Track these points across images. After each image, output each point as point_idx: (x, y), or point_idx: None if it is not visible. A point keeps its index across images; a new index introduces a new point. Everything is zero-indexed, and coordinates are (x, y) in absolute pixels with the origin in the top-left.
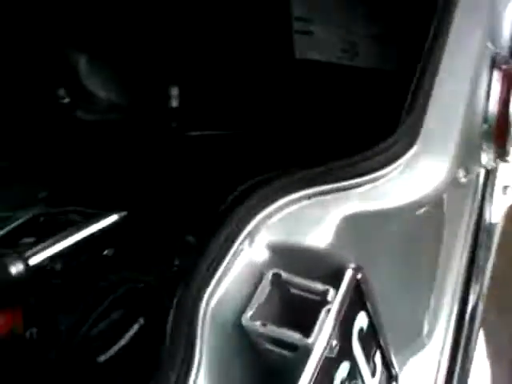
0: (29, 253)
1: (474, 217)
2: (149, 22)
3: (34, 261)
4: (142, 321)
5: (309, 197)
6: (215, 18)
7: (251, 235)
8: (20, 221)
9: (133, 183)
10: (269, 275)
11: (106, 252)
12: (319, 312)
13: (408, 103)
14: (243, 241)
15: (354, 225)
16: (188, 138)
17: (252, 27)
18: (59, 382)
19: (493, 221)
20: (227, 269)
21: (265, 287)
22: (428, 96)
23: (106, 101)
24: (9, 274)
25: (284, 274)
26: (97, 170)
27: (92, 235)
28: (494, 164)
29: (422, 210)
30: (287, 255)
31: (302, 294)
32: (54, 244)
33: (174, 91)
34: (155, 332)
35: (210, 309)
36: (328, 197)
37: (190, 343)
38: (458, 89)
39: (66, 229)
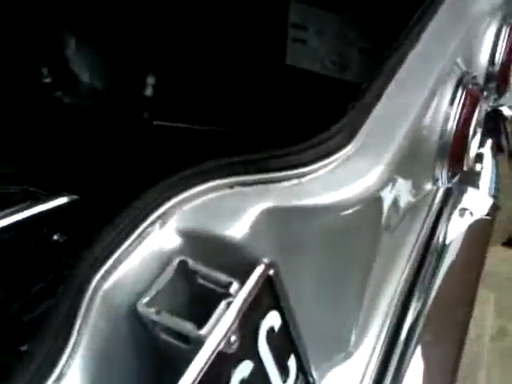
0: None
1: (424, 236)
2: (138, 11)
3: None
4: None
5: (231, 186)
6: (208, 13)
7: (163, 218)
8: None
9: (99, 168)
10: (175, 262)
11: (56, 238)
12: (218, 304)
13: (355, 101)
14: (153, 223)
15: (274, 220)
16: (154, 127)
17: (245, 27)
18: None
19: (446, 242)
20: (130, 250)
21: (168, 274)
22: (376, 99)
23: (88, 85)
24: None
25: (191, 263)
26: (65, 152)
27: (36, 216)
28: (448, 184)
29: (350, 213)
30: (199, 243)
31: (208, 284)
32: None
33: (151, 80)
34: None
35: (101, 291)
36: (249, 188)
37: (67, 327)
38: (412, 97)
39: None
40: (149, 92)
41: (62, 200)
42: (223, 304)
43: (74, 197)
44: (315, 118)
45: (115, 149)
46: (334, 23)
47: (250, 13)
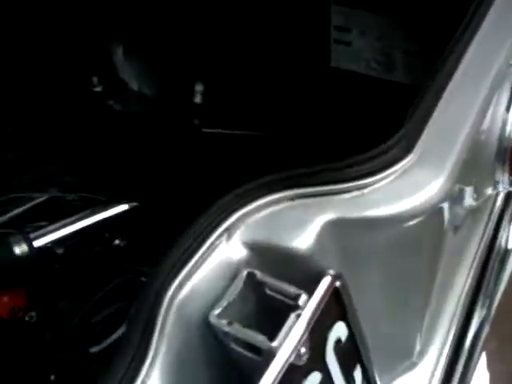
0: (34, 234)
1: (486, 241)
2: (184, 19)
3: (38, 243)
4: None
5: (292, 198)
6: (253, 18)
7: (229, 231)
8: (33, 203)
9: (152, 175)
10: (243, 274)
11: (117, 242)
12: (288, 316)
13: (410, 111)
14: (220, 236)
15: (337, 231)
16: (205, 134)
17: (289, 31)
18: (51, 365)
19: (509, 247)
20: (200, 262)
21: (237, 286)
22: (432, 107)
23: (137, 92)
24: (12, 253)
25: (259, 274)
26: (119, 159)
27: (99, 223)
28: (510, 188)
29: (413, 224)
30: (265, 255)
31: (276, 296)
32: (59, 228)
33: (199, 87)
34: None
35: (176, 302)
36: (311, 200)
37: (146, 337)
38: (467, 104)
39: (74, 214)
40: (198, 99)
41: (123, 207)
42: (293, 316)
43: (134, 204)
44: (364, 119)
45: (168, 156)
46: (377, 24)
47: (293, 17)
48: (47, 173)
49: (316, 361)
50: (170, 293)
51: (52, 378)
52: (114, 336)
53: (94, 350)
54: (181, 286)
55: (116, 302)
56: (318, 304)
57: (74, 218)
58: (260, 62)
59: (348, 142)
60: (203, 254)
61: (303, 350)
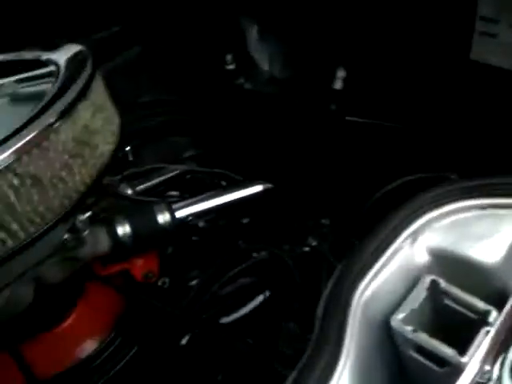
0: (177, 205)
1: None
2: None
3: (180, 214)
4: (267, 293)
5: (483, 207)
6: (397, 6)
7: (414, 235)
8: (169, 175)
9: (280, 158)
10: (427, 280)
11: (244, 221)
12: (477, 332)
13: None
14: (405, 239)
15: None
16: (345, 122)
17: (430, 21)
18: (183, 330)
19: None
20: (385, 264)
21: (420, 292)
22: None
23: (268, 73)
24: (156, 221)
25: (443, 283)
26: (249, 138)
27: (236, 201)
28: None
29: None
30: (448, 263)
31: (457, 307)
32: (200, 202)
33: (341, 73)
34: (278, 307)
35: (361, 301)
36: (504, 211)
37: (339, 336)
38: None
39: (212, 190)
40: (338, 85)
41: (258, 188)
42: (483, 332)
43: (269, 185)
44: (504, 117)
45: (302, 139)
46: None
47: (436, 5)
48: (180, 145)
49: (494, 380)
50: (359, 292)
51: (183, 342)
52: (245, 310)
53: (224, 320)
54: (366, 287)
55: (244, 277)
56: (505, 322)
57: (212, 193)
58: (401, 51)
59: (483, 139)
60: (388, 256)
61: (487, 367)
